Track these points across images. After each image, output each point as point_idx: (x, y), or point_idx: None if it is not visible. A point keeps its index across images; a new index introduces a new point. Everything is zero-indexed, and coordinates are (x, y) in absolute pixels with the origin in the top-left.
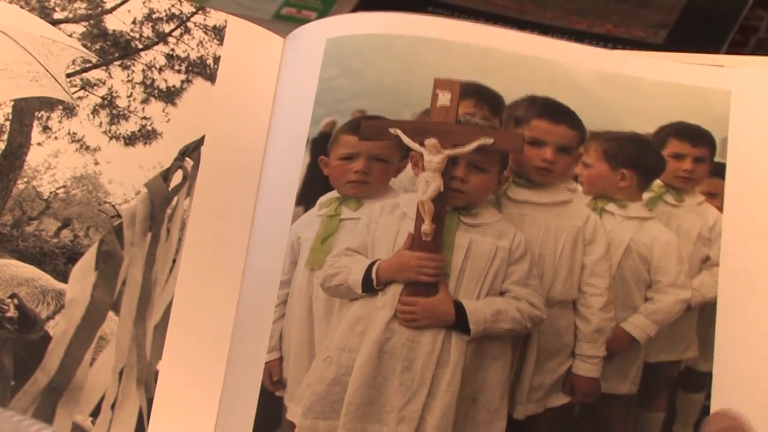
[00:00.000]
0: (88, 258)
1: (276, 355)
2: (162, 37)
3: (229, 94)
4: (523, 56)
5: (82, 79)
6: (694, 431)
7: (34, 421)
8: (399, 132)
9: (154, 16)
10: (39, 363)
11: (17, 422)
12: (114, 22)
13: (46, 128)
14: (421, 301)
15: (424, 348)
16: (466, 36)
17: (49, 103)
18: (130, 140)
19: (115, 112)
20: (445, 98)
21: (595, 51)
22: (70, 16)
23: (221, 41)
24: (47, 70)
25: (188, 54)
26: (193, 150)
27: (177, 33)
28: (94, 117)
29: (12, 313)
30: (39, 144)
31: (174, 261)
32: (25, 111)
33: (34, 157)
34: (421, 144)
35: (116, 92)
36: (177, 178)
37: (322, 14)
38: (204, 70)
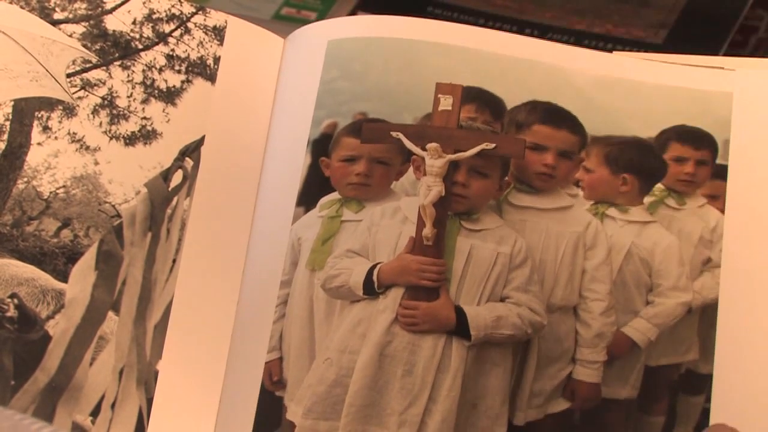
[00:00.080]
0: (88, 258)
1: (276, 355)
2: (162, 38)
3: (229, 95)
4: (524, 60)
5: (82, 79)
6: None
7: (35, 419)
8: (401, 135)
9: (154, 16)
10: (39, 363)
11: (18, 420)
12: (114, 23)
13: (46, 128)
14: (423, 306)
15: (425, 352)
16: (468, 40)
17: (49, 103)
18: (130, 140)
19: (115, 112)
20: (446, 102)
21: (596, 55)
22: (70, 16)
23: (221, 41)
24: (47, 70)
25: (188, 54)
26: (193, 150)
27: (177, 33)
28: (94, 117)
29: (12, 312)
30: (39, 144)
31: (174, 261)
32: (25, 111)
33: (34, 157)
34: (423, 148)
35: (116, 92)
36: (177, 178)
37: (321, 15)
38: (204, 70)
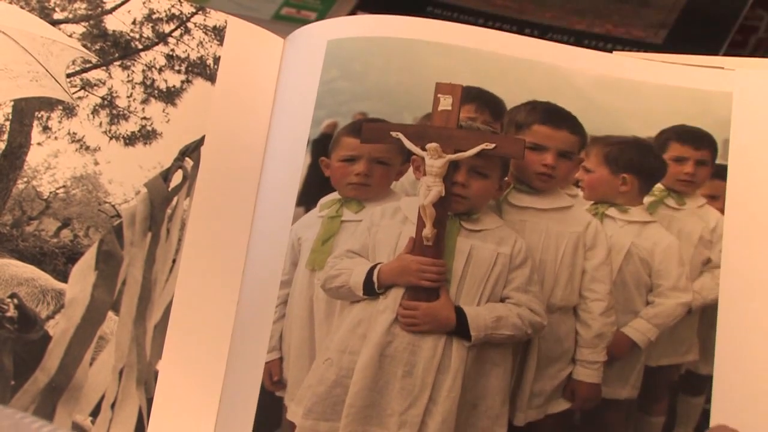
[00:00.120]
0: (88, 258)
1: (276, 355)
2: (162, 38)
3: (229, 95)
4: (524, 60)
5: (82, 79)
6: None
7: (35, 418)
8: (400, 135)
9: (154, 16)
10: (39, 362)
11: (19, 419)
12: (114, 23)
13: (46, 128)
14: (423, 306)
15: (425, 353)
16: (468, 40)
17: (49, 103)
18: (130, 140)
19: (115, 112)
20: (446, 102)
21: (595, 55)
22: (70, 16)
23: (221, 42)
24: (47, 70)
25: (188, 54)
26: (193, 150)
27: (177, 33)
28: (94, 117)
29: (12, 312)
30: (39, 144)
31: (174, 261)
32: (25, 111)
33: (34, 157)
34: (423, 148)
35: (116, 92)
36: (177, 178)
37: (321, 15)
38: (204, 70)
